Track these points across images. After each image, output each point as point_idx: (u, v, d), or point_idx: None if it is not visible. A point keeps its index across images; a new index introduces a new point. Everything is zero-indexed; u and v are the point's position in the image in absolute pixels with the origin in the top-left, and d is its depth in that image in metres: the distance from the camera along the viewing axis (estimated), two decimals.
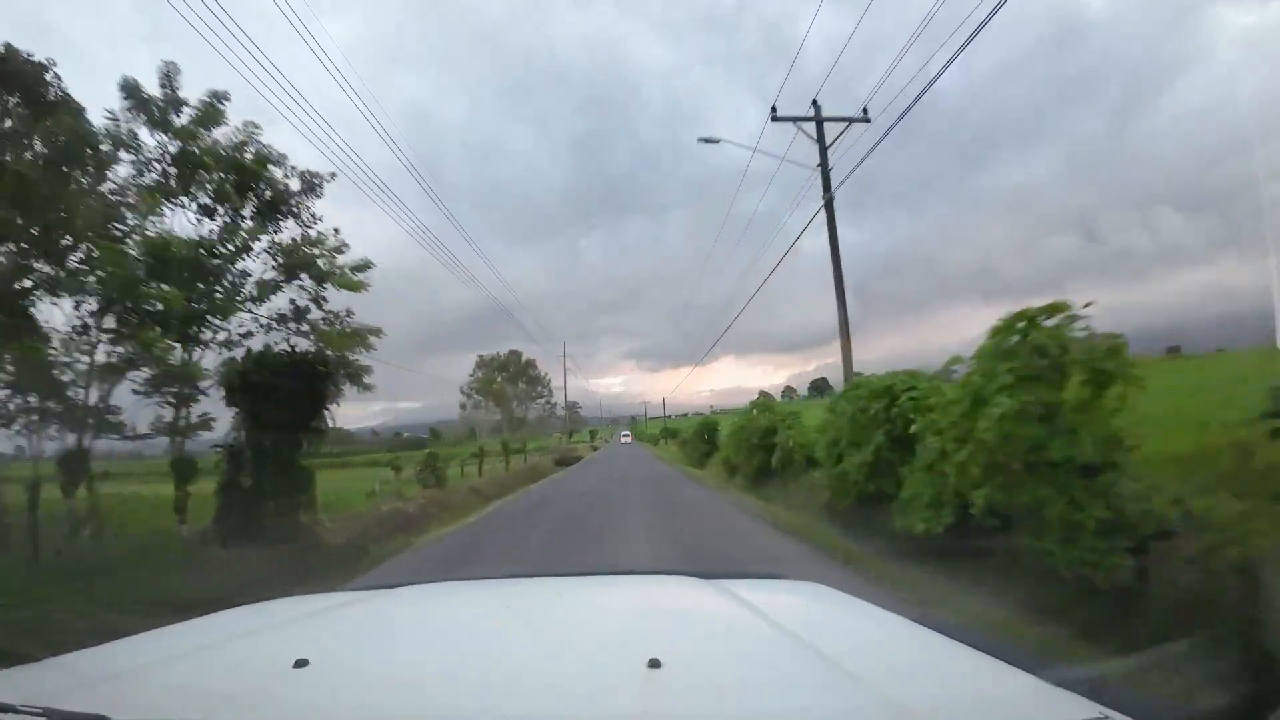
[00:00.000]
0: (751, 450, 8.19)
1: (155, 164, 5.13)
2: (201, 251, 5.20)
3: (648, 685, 0.61)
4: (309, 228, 6.11)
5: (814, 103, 7.62)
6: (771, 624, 0.85)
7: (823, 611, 1.08)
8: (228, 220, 5.56)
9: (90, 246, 3.61)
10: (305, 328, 6.07)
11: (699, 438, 16.28)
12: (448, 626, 1.00)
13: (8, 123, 3.05)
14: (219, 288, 5.47)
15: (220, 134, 5.34)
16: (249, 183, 5.48)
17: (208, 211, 5.46)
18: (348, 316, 6.21)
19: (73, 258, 3.73)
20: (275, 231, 5.90)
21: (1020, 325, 2.24)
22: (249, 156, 5.47)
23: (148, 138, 5.02)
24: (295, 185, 5.95)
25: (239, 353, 5.12)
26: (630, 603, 1.21)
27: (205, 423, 5.24)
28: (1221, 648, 1.55)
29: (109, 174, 4.52)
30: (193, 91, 5.23)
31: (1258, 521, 1.77)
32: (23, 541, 3.35)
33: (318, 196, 6.10)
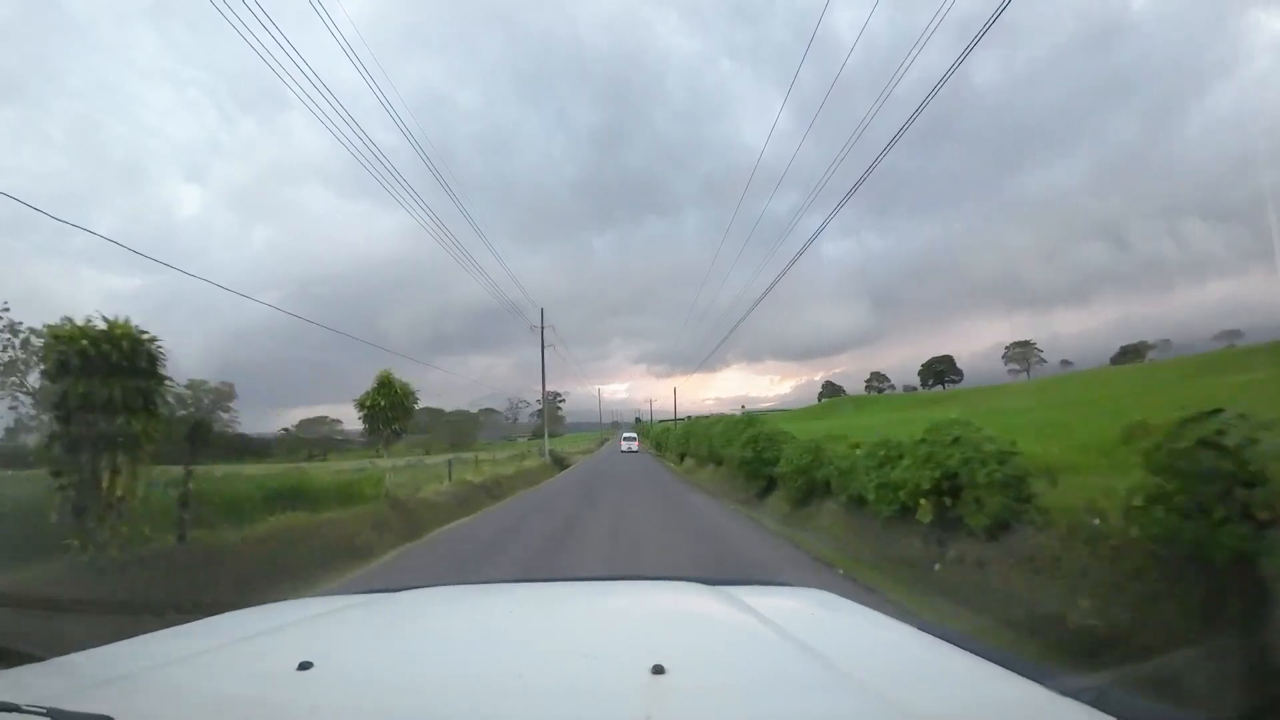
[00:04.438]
0: None
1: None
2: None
3: (652, 691, 0.88)
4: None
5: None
6: (776, 630, 1.18)
7: (827, 618, 1.45)
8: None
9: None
10: None
11: None
12: (452, 630, 1.38)
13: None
14: None
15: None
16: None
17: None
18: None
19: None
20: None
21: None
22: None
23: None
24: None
25: None
26: (634, 608, 1.62)
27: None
28: (1226, 657, 1.92)
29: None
30: None
31: None
32: None
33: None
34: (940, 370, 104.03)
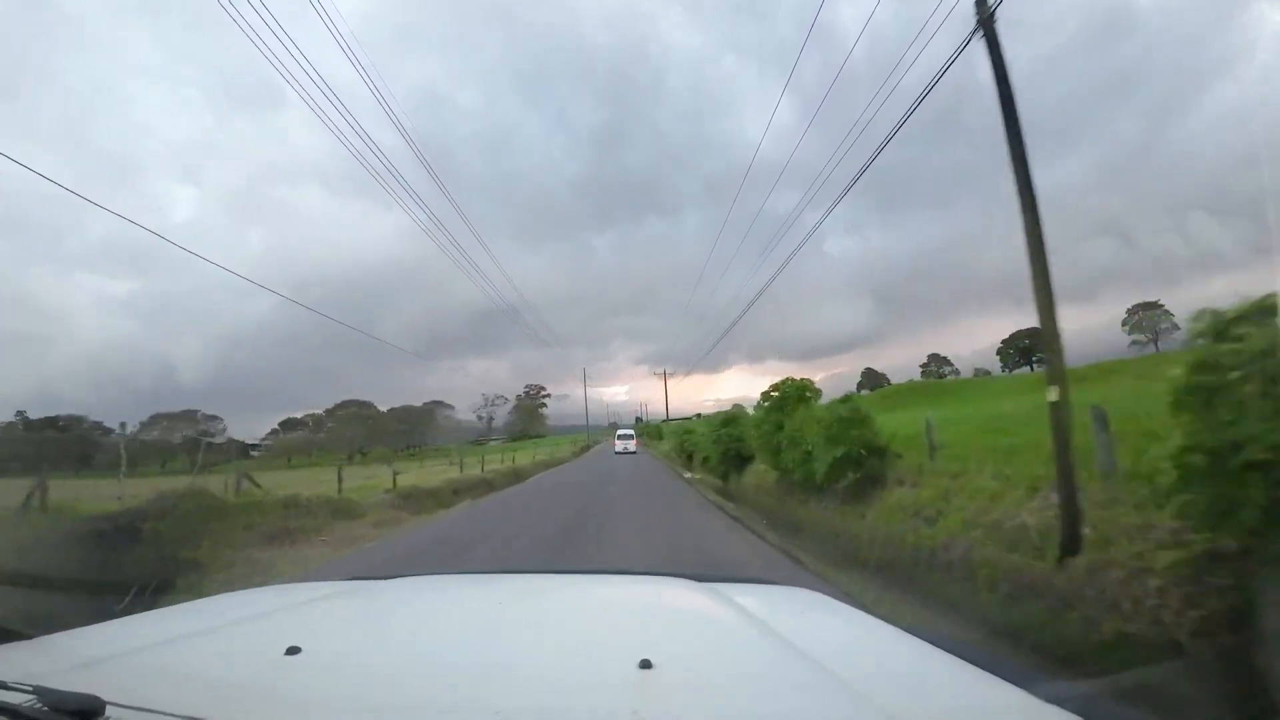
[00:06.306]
0: None
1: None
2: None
3: (639, 685, 1.02)
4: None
5: None
6: (764, 629, 1.37)
7: (815, 618, 1.66)
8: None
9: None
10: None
11: None
12: (440, 619, 1.58)
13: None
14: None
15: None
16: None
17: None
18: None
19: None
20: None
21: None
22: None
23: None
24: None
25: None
26: (624, 602, 1.84)
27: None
28: (1209, 669, 2.14)
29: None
30: None
31: None
32: None
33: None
34: (1027, 347, 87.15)
